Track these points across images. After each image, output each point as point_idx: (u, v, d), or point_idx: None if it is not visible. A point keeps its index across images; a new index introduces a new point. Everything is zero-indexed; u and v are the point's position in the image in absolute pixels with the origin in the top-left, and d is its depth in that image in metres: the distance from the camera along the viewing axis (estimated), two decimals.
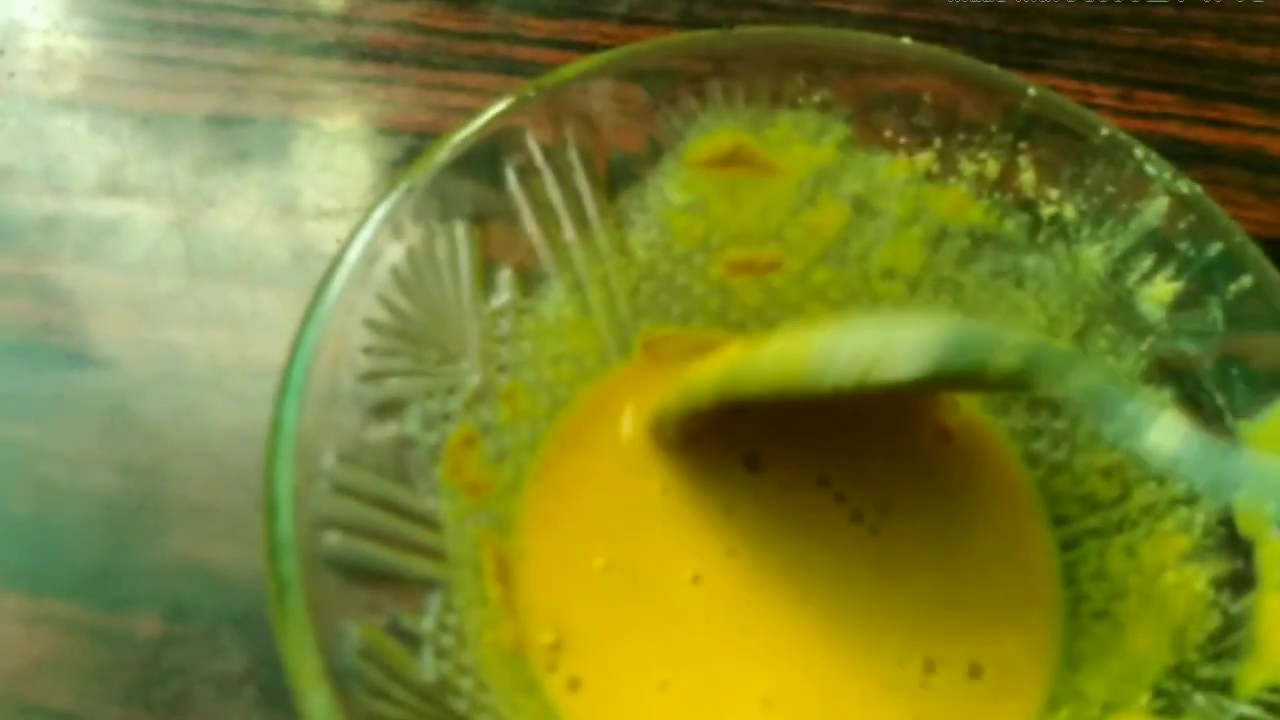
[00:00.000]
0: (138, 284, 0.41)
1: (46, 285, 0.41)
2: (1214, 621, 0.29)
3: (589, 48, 0.47)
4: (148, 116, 0.45)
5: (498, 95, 0.31)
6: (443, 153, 0.30)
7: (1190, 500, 0.30)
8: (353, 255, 0.28)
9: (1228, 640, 0.28)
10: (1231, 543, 0.29)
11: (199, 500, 0.36)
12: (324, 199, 0.43)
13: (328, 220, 0.42)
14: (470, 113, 0.30)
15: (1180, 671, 0.29)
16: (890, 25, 0.48)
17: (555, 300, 0.33)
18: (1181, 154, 0.31)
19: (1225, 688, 0.28)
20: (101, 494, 0.36)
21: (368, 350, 0.28)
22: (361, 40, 0.47)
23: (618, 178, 0.33)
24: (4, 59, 0.46)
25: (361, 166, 0.44)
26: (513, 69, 0.46)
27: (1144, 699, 0.29)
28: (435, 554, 0.29)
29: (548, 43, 0.47)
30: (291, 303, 0.39)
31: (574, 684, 0.30)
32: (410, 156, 0.43)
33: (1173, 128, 0.45)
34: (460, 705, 0.27)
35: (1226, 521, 0.30)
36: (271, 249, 0.42)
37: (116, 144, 0.44)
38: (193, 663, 0.33)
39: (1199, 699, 0.28)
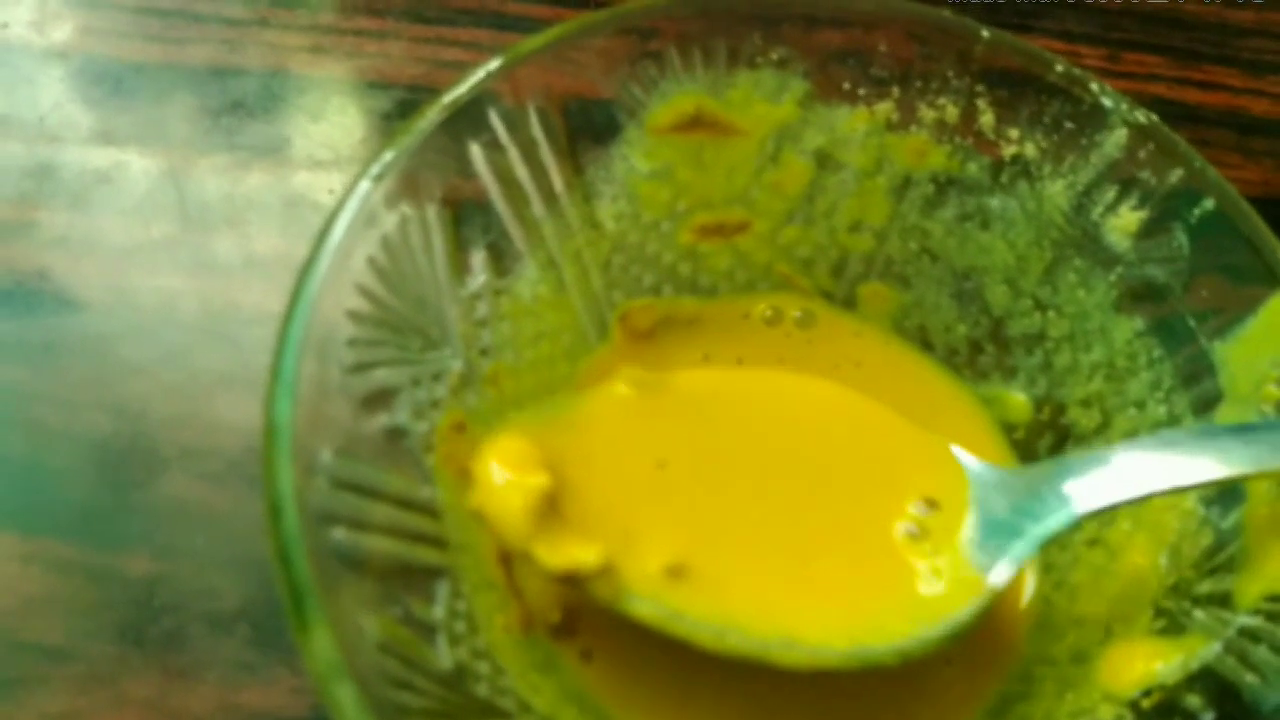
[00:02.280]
0: (131, 231, 0.41)
1: (40, 232, 0.41)
2: (1207, 537, 0.30)
3: (581, 2, 0.46)
4: (141, 67, 0.45)
5: (495, 53, 0.31)
6: (408, 137, 0.29)
7: (1172, 421, 0.31)
8: (330, 247, 0.27)
9: (1222, 555, 0.29)
10: None
11: (191, 444, 0.36)
12: (316, 150, 0.43)
13: (320, 171, 0.43)
14: (462, 67, 0.31)
15: (1178, 589, 0.29)
16: None
17: (530, 279, 0.33)
18: (1168, 115, 0.32)
19: (1224, 601, 0.28)
20: (94, 437, 0.37)
21: (352, 342, 0.28)
22: None
23: (583, 150, 0.33)
24: None
25: (354, 118, 0.45)
26: (504, 24, 0.47)
27: (1145, 619, 0.29)
28: (438, 541, 0.29)
29: None
30: (284, 251, 0.41)
31: (586, 655, 0.30)
32: (402, 109, 0.44)
33: (1159, 89, 0.46)
34: (481, 690, 0.27)
35: None
36: (264, 198, 0.42)
37: (110, 94, 0.44)
38: (185, 601, 0.34)
39: (1199, 614, 0.29)
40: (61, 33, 0.46)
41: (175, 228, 0.41)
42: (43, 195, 0.42)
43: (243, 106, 0.44)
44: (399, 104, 0.45)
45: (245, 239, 0.41)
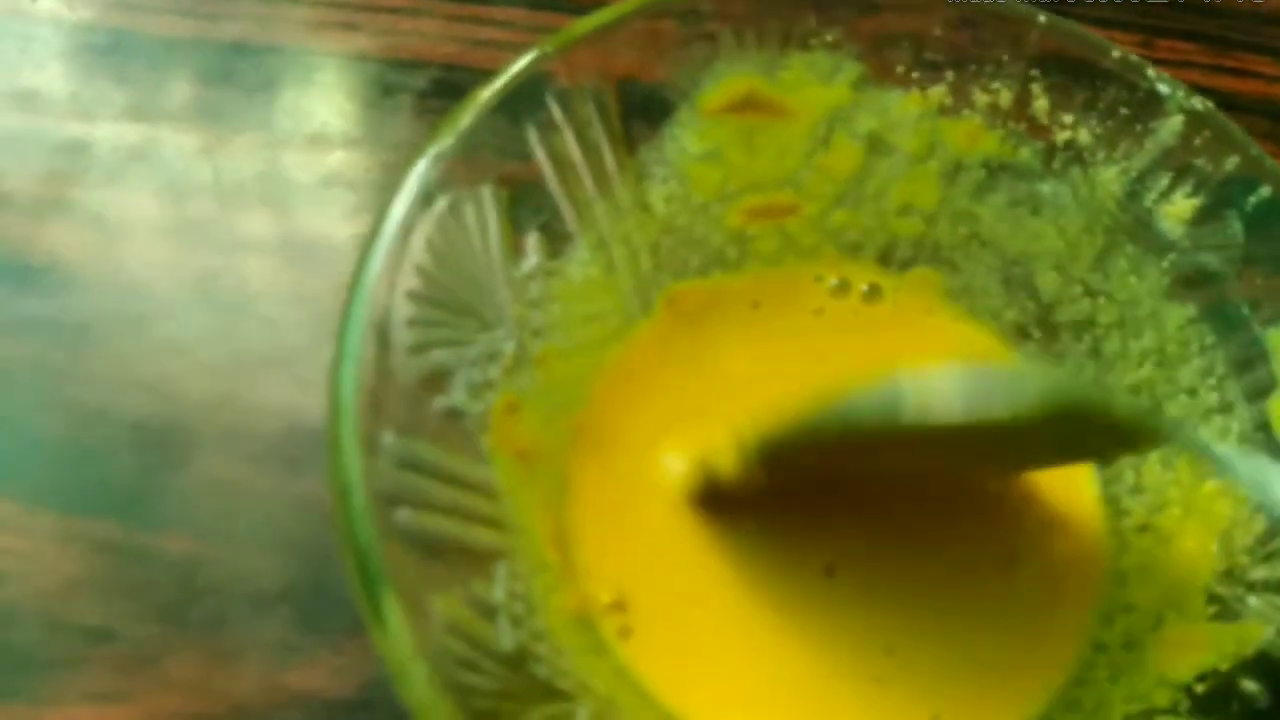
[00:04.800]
0: (166, 209, 0.41)
1: (74, 210, 0.41)
2: (1260, 524, 0.30)
3: None
4: (173, 43, 0.45)
5: (530, 32, 0.32)
6: (465, 117, 0.29)
7: (1225, 409, 0.31)
8: (391, 226, 0.27)
9: (1276, 541, 0.29)
10: (1270, 447, 0.30)
11: (229, 424, 0.36)
12: (350, 128, 0.43)
13: (355, 149, 0.43)
14: (496, 46, 0.30)
15: (1231, 575, 0.29)
16: None
17: (581, 260, 0.33)
18: None
19: (1279, 588, 0.28)
20: (132, 416, 0.36)
21: (411, 323, 0.28)
22: None
23: (635, 131, 0.33)
24: None
25: (388, 97, 0.44)
26: (539, 2, 0.46)
27: (1198, 606, 0.30)
28: (495, 523, 0.29)
29: None
30: (320, 232, 0.41)
31: (624, 633, 0.30)
32: (436, 88, 0.44)
33: (1193, 76, 0.46)
34: (541, 671, 0.27)
35: (1263, 426, 0.30)
36: (299, 176, 0.42)
37: (141, 70, 0.44)
38: (227, 582, 0.34)
39: (1253, 601, 0.29)
40: (91, 8, 0.46)
41: (210, 206, 0.41)
42: (76, 172, 0.41)
43: (275, 84, 0.44)
44: (434, 83, 0.44)
45: (281, 218, 0.41)
